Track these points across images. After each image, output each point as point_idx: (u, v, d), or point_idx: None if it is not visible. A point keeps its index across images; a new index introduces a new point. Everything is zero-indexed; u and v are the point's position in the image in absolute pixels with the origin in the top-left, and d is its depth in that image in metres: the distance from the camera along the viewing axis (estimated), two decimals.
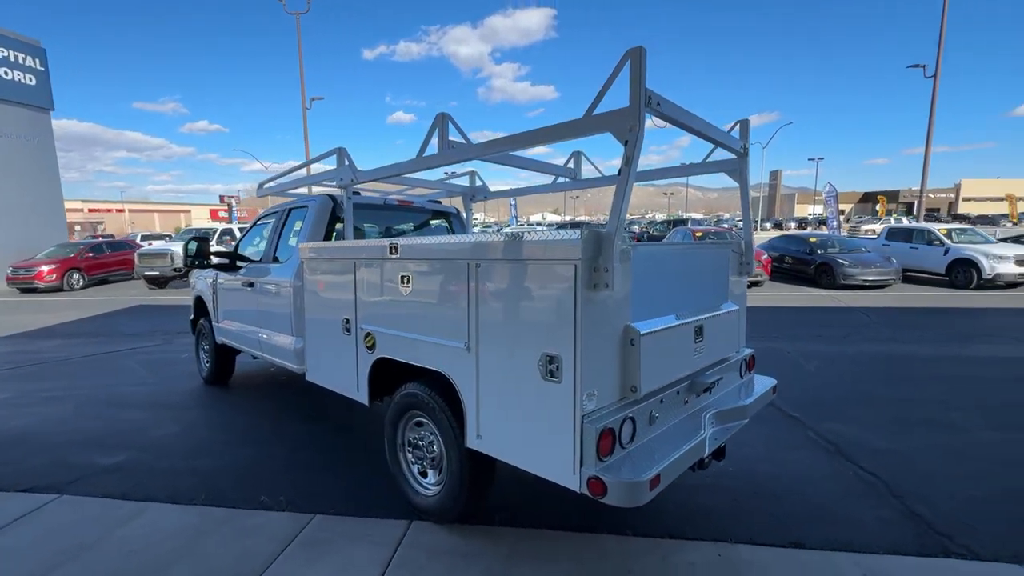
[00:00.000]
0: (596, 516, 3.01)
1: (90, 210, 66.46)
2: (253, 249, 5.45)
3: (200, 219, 58.47)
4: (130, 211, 70.23)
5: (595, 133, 2.43)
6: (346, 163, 3.95)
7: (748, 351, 3.44)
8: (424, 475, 3.08)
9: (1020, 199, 37.90)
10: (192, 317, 6.39)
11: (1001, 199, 48.44)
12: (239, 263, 5.09)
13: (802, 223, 53.18)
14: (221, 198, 45.97)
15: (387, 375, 3.27)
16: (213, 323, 5.67)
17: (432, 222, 5.33)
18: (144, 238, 26.63)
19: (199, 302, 6.18)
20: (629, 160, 2.14)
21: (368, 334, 3.25)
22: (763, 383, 3.35)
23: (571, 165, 4.22)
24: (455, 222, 5.37)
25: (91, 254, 17.95)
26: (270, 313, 4.47)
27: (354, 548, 2.73)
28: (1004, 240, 14.74)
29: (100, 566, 2.61)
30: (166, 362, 7.21)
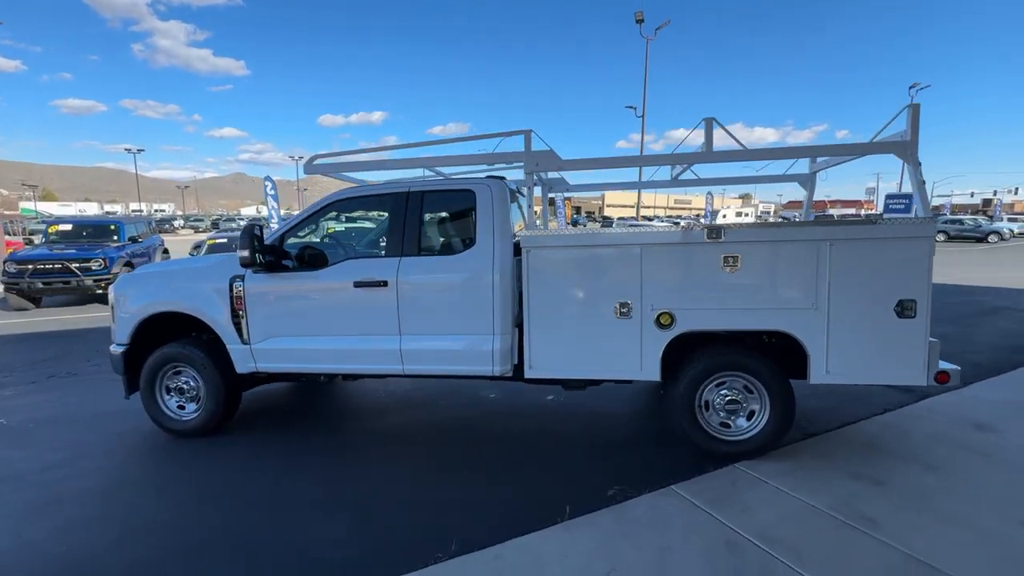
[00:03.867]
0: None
1: None
2: (296, 242, 4.23)
3: None
4: None
5: (875, 153, 3.59)
6: (545, 147, 3.86)
7: None
8: (727, 426, 3.62)
9: (644, 207, 54.77)
10: (125, 348, 4.28)
11: (631, 205, 69.33)
12: (284, 262, 3.98)
13: None
14: None
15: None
16: (233, 346, 4.08)
17: None
18: None
19: (159, 322, 4.25)
20: (922, 179, 3.39)
21: (663, 313, 3.50)
22: None
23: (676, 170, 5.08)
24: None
25: None
26: (433, 313, 3.79)
27: (739, 494, 3.14)
28: None
29: None
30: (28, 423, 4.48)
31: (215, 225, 48.24)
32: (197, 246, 22.44)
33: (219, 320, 4.09)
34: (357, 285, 3.86)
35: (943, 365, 3.36)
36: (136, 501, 3.31)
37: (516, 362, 3.82)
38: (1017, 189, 61.19)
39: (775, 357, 3.60)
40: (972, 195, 67.94)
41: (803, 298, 3.35)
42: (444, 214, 4.04)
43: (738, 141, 3.79)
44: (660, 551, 2.60)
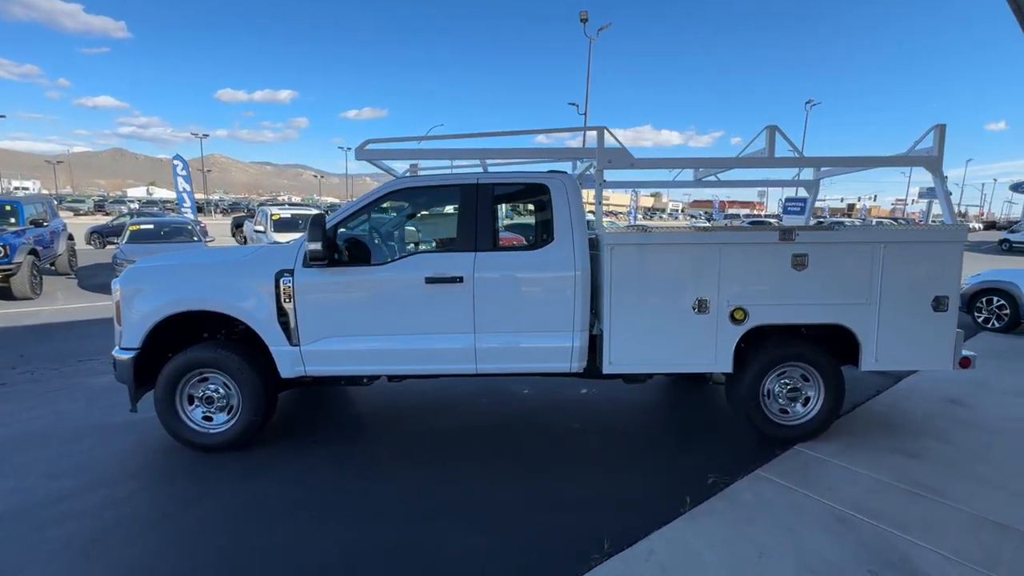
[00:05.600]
0: None
1: None
2: (347, 233, 3.93)
3: None
4: None
5: (906, 166, 4.04)
6: (618, 145, 3.90)
7: None
8: (785, 412, 3.92)
9: None
10: (136, 353, 3.71)
11: None
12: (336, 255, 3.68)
13: None
14: None
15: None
16: (279, 348, 3.69)
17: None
18: None
19: (181, 321, 3.74)
20: (948, 191, 3.89)
21: (737, 308, 3.71)
22: None
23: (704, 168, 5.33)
24: None
25: None
26: (511, 310, 3.69)
27: (816, 474, 3.44)
28: None
29: None
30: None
31: (100, 207, 42.32)
32: (95, 231, 19.70)
33: (262, 320, 3.67)
34: (429, 281, 3.65)
35: (964, 352, 3.90)
36: (217, 527, 2.90)
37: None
38: (875, 196, 71.53)
39: (826, 348, 3.96)
40: (842, 200, 78.03)
41: (859, 294, 3.72)
42: (517, 208, 3.94)
43: (796, 148, 4.09)
44: (788, 531, 2.78)
